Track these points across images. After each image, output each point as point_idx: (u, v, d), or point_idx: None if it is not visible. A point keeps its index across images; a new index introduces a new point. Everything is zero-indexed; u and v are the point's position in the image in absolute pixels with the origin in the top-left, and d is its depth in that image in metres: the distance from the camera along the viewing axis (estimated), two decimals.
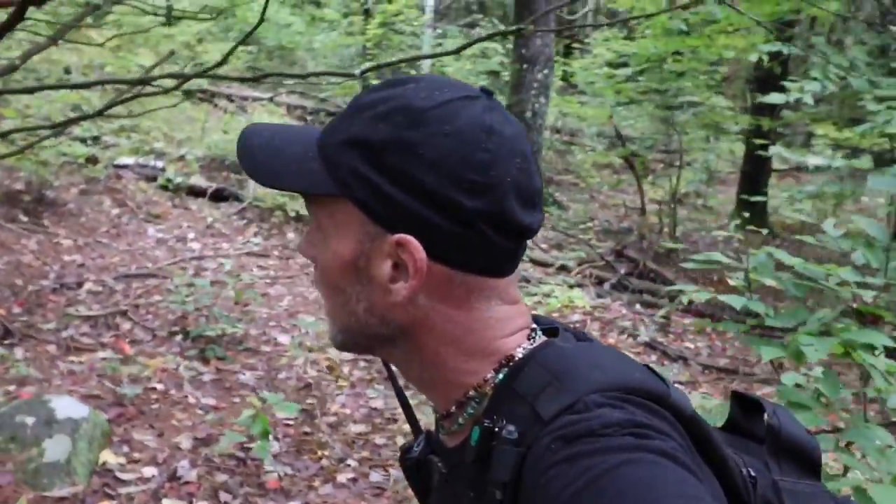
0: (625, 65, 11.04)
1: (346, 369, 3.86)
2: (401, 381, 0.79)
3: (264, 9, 3.26)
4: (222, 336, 4.01)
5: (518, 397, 0.61)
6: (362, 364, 3.93)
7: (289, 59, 12.78)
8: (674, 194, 7.69)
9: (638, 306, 5.87)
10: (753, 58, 5.79)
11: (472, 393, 0.65)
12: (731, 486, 0.63)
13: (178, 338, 4.01)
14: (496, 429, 0.60)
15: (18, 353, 3.61)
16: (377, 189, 0.61)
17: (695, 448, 0.60)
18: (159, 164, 6.91)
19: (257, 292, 4.48)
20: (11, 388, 3.22)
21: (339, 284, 0.65)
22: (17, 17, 2.86)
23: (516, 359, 0.64)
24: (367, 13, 12.79)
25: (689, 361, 4.94)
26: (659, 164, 11.15)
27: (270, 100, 10.33)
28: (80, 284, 4.49)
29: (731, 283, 2.39)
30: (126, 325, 4.10)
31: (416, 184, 0.60)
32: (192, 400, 3.32)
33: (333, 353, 3.98)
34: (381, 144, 0.61)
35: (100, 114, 3.75)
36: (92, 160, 6.24)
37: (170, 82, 4.13)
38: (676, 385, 0.66)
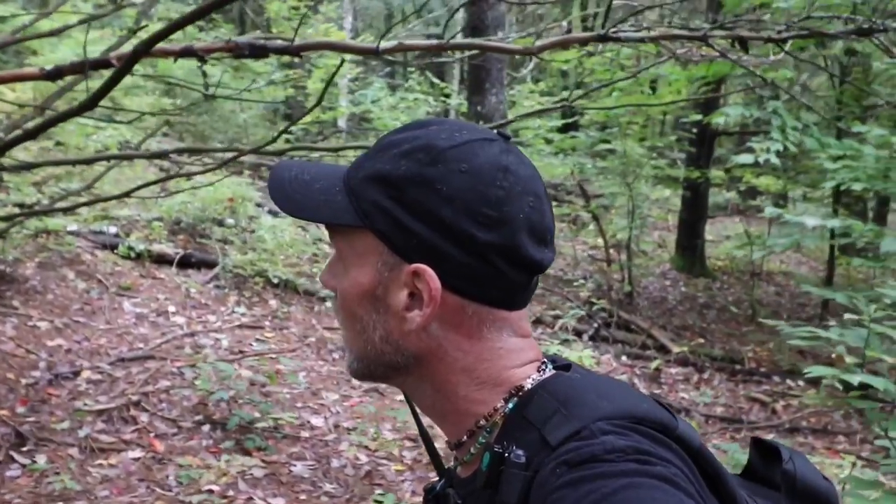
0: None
1: (395, 451, 3.72)
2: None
3: (326, 86, 3.18)
4: (254, 423, 3.77)
5: (528, 424, 0.63)
6: (409, 444, 3.81)
7: (217, 112, 12.42)
8: (628, 244, 8.00)
9: (624, 358, 6.03)
10: (720, 120, 6.20)
11: (482, 422, 0.67)
12: None
13: (206, 428, 3.74)
14: (506, 454, 0.62)
15: (41, 460, 3.25)
16: (397, 220, 0.64)
17: (704, 481, 0.62)
18: (112, 230, 6.49)
19: (291, 373, 4.26)
20: None
21: (357, 312, 0.68)
22: (123, 73, 2.67)
23: (525, 389, 0.66)
24: (290, 66, 12.63)
25: (692, 412, 5.11)
26: (586, 212, 11.59)
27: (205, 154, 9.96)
28: (76, 374, 4.10)
29: (847, 360, 2.52)
30: (143, 418, 3.78)
31: (433, 216, 0.63)
32: (259, 502, 3.10)
33: (380, 436, 3.84)
34: (403, 180, 0.65)
35: (127, 195, 3.52)
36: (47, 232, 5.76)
37: (208, 158, 3.96)
38: None
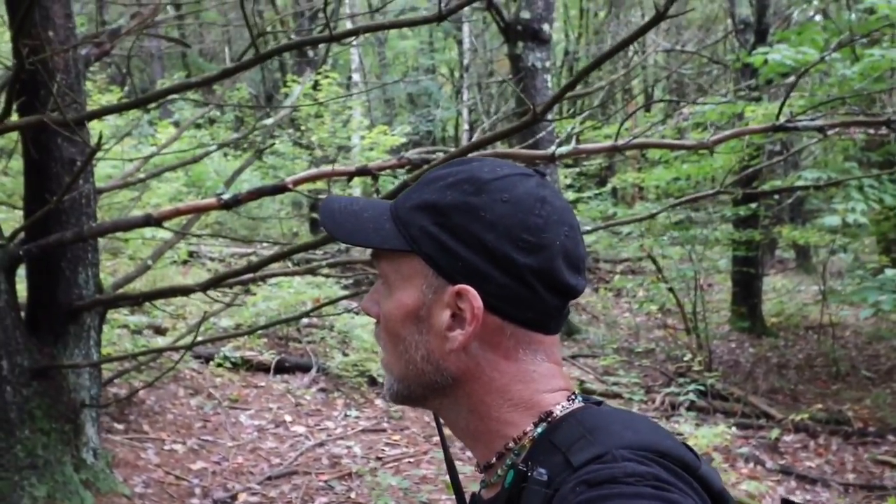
0: (578, 188, 11.64)
1: None
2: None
3: None
4: None
5: (554, 448, 0.66)
6: None
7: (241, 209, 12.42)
8: (694, 311, 8.05)
9: (734, 429, 5.97)
10: (800, 183, 6.36)
11: (511, 444, 0.70)
12: None
13: None
14: (529, 472, 0.65)
15: None
16: (443, 245, 0.69)
17: None
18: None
19: (440, 478, 4.16)
20: None
21: (400, 333, 0.72)
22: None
23: (554, 415, 0.70)
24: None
25: (829, 482, 5.04)
26: (613, 274, 11.68)
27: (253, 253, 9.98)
28: (233, 498, 4.00)
29: None
30: None
31: (477, 241, 0.68)
32: None
33: None
34: (449, 207, 0.70)
35: (307, 314, 3.52)
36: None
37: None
38: None
